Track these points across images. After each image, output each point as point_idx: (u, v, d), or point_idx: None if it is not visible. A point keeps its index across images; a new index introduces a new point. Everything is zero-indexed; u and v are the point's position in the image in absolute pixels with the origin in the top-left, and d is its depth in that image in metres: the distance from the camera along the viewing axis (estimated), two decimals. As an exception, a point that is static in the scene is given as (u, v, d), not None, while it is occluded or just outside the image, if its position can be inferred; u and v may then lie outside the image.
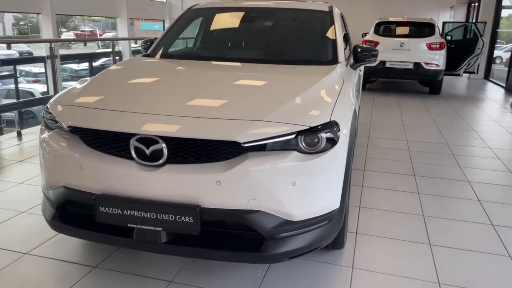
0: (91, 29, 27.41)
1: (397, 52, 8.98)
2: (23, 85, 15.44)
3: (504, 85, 10.78)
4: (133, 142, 1.96)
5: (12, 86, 12.68)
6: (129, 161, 1.99)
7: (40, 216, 2.57)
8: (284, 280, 2.36)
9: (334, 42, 3.17)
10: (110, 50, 8.25)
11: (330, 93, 2.34)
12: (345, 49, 3.30)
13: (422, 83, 9.70)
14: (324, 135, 2.00)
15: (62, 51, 15.04)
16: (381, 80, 10.74)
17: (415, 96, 9.11)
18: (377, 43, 9.02)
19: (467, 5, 15.67)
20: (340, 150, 2.10)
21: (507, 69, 10.87)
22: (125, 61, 3.34)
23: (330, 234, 2.17)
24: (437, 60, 8.84)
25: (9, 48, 5.74)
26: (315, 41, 3.44)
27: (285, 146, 1.97)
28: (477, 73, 10.81)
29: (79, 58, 15.62)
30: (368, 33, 9.94)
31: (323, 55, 3.21)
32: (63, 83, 10.75)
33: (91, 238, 2.23)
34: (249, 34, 3.59)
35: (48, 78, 6.61)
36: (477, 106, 8.30)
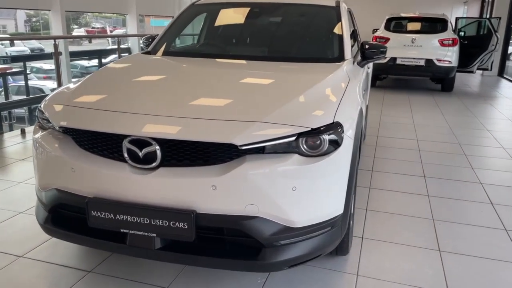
0: (102, 26, 27.52)
1: (409, 49, 8.81)
2: (34, 82, 15.55)
3: (518, 82, 10.56)
4: (125, 144, 1.88)
5: (23, 82, 12.75)
6: (122, 163, 1.91)
7: (37, 217, 2.50)
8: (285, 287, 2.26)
9: (340, 38, 3.05)
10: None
11: (335, 92, 2.23)
12: (352, 46, 3.19)
13: (434, 80, 9.53)
14: (327, 137, 1.90)
15: (73, 48, 15.11)
16: (391, 77, 10.56)
17: (426, 94, 8.93)
18: (387, 39, 8.85)
19: (481, 0, 15.39)
20: (344, 152, 1.99)
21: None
22: (123, 59, 3.26)
23: (333, 241, 2.07)
24: (450, 56, 8.65)
25: (12, 45, 5.72)
26: (321, 37, 3.33)
27: (285, 149, 1.87)
28: (491, 70, 10.55)
29: (89, 54, 15.69)
30: (378, 29, 9.76)
31: (329, 52, 3.10)
32: (73, 79, 10.77)
33: (84, 243, 2.15)
34: (252, 30, 3.49)
35: (57, 75, 6.70)
36: (490, 104, 8.10)
